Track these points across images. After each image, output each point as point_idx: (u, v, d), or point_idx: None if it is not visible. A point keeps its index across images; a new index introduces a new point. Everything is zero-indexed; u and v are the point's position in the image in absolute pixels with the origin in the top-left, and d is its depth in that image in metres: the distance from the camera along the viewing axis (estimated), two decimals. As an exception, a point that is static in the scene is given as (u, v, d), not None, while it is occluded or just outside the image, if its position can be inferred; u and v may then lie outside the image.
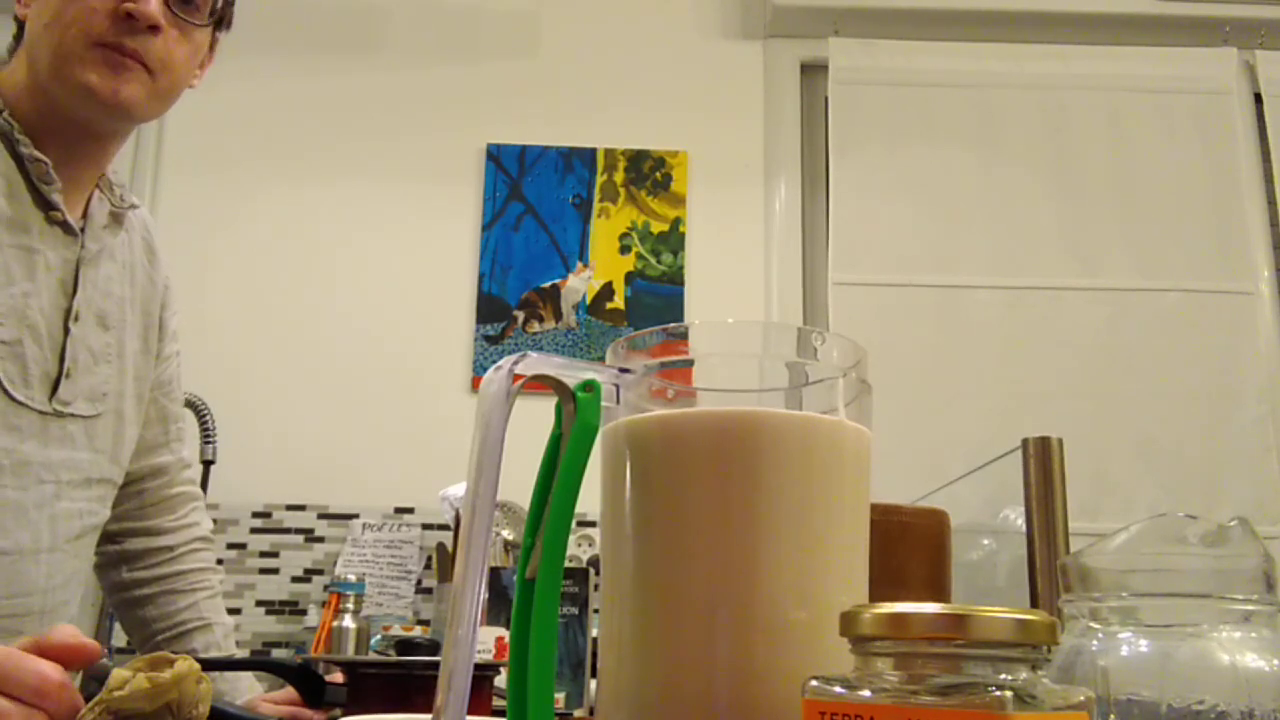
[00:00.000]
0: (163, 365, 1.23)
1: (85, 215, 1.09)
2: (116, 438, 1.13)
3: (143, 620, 1.23)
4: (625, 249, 2.59)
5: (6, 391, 0.99)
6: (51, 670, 0.66)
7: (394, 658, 1.04)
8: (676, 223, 2.61)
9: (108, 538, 1.21)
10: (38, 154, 1.02)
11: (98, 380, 1.09)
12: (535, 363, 0.44)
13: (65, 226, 1.06)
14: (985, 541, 1.28)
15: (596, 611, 1.04)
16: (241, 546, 2.40)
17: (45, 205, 1.04)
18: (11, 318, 0.99)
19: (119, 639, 2.21)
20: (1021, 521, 1.05)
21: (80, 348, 1.06)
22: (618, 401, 0.48)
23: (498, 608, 1.42)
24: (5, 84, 1.06)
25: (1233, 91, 2.63)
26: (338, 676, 0.91)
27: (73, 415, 1.06)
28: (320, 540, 2.42)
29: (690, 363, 0.49)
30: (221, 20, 1.12)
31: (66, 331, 1.05)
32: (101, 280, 1.11)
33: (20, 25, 1.07)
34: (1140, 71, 2.64)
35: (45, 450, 1.03)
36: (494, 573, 1.44)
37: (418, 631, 2.00)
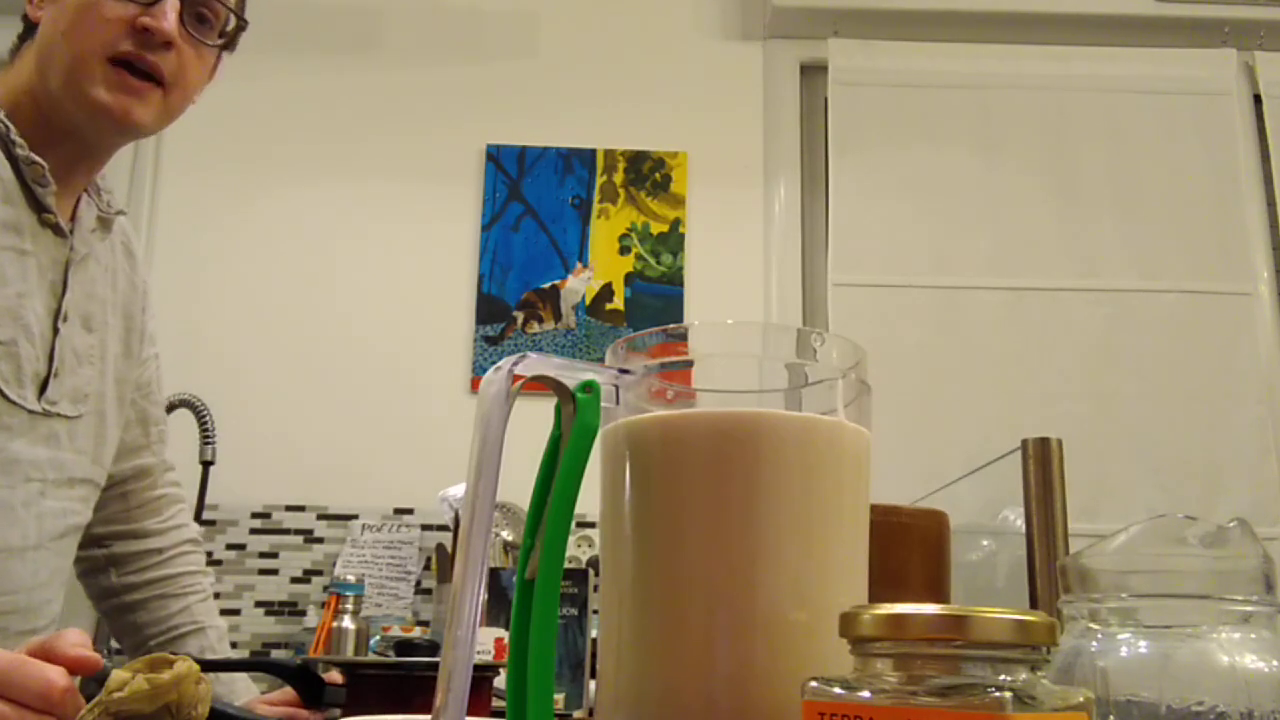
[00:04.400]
0: (142, 368, 1.23)
1: (74, 218, 1.10)
2: (98, 439, 1.13)
3: (134, 625, 1.23)
4: (625, 250, 2.59)
5: (1, 391, 0.99)
6: (57, 676, 0.66)
7: (393, 659, 1.04)
8: (676, 223, 2.61)
9: (94, 541, 1.20)
10: (34, 156, 1.02)
11: (81, 381, 1.09)
12: (535, 363, 0.44)
13: (56, 229, 1.06)
14: (985, 542, 1.28)
15: (596, 612, 1.04)
16: (241, 547, 2.40)
17: (39, 207, 1.04)
18: (6, 318, 1.00)
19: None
20: (1021, 522, 1.05)
21: (66, 349, 1.07)
22: (617, 402, 0.48)
23: (497, 608, 1.42)
24: (3, 85, 1.06)
25: (1232, 93, 2.63)
26: (336, 676, 0.91)
27: (58, 415, 1.06)
28: (320, 541, 2.42)
29: (690, 364, 0.49)
30: (230, 43, 1.13)
31: (55, 332, 1.05)
32: (87, 283, 1.11)
33: (28, 26, 1.08)
34: (1140, 72, 2.64)
35: (32, 449, 1.03)
36: (493, 573, 1.44)
37: (417, 632, 2.00)
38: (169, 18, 1.02)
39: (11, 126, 1.02)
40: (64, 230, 1.07)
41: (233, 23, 1.11)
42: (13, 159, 1.02)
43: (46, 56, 1.03)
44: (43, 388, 1.04)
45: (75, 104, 1.02)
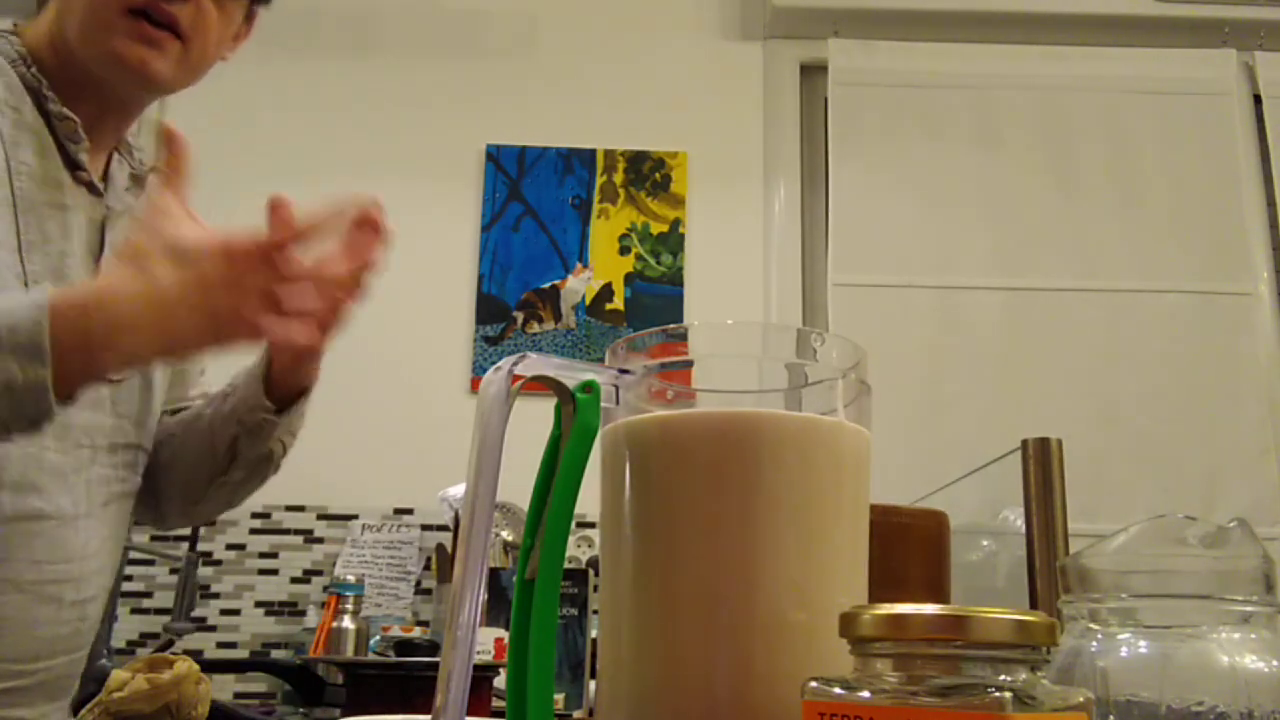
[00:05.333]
0: None
1: (106, 176, 1.07)
2: (143, 404, 1.10)
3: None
4: (625, 250, 2.59)
5: None
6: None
7: (393, 659, 1.04)
8: (676, 224, 2.61)
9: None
10: (67, 112, 0.99)
11: None
12: (534, 364, 0.44)
13: (90, 187, 1.03)
14: (984, 542, 1.28)
15: (596, 613, 1.04)
16: (241, 547, 2.40)
17: (72, 165, 1.01)
18: (50, 278, 0.96)
19: (118, 639, 2.21)
20: (1021, 522, 1.05)
21: None
22: (617, 402, 0.48)
23: (497, 608, 1.42)
24: (31, 38, 1.01)
25: (1232, 93, 2.63)
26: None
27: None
28: (319, 541, 2.41)
29: (689, 364, 0.49)
30: None
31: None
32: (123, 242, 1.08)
33: None
34: (1140, 73, 2.64)
35: (81, 413, 0.99)
36: (493, 574, 1.44)
37: (417, 632, 2.00)
38: None
39: (44, 80, 0.99)
40: (98, 189, 1.04)
41: None
42: (45, 114, 0.99)
43: (65, 5, 0.99)
44: None
45: (92, 55, 0.99)
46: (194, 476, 1.14)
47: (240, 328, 0.80)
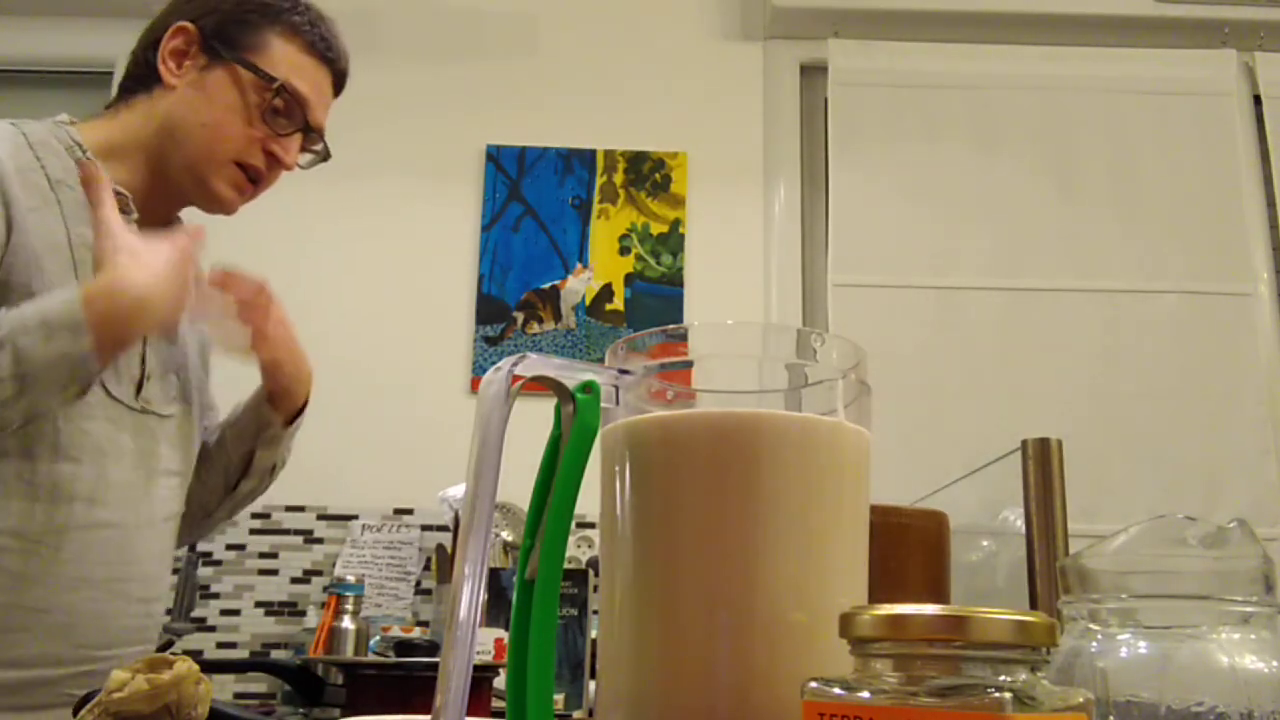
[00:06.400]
0: (208, 376, 1.40)
1: None
2: (186, 438, 1.26)
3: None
4: (625, 250, 2.59)
5: (106, 388, 1.11)
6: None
7: (393, 659, 1.05)
8: (676, 224, 2.61)
9: None
10: (119, 188, 1.13)
11: (169, 387, 1.22)
12: (534, 364, 0.44)
13: None
14: (984, 543, 1.28)
15: (596, 613, 1.04)
16: (240, 548, 2.40)
17: None
18: None
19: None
20: (1021, 523, 1.05)
21: (154, 357, 1.19)
22: (617, 403, 0.48)
23: (497, 609, 1.42)
24: (99, 136, 1.17)
25: (1232, 93, 2.63)
26: None
27: (154, 413, 1.18)
28: (319, 541, 2.41)
29: (689, 364, 0.49)
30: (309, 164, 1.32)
31: (144, 340, 1.17)
32: None
33: (146, 75, 1.19)
34: (1140, 73, 2.64)
35: (137, 441, 1.15)
36: (493, 574, 1.44)
37: (417, 633, 2.00)
38: (293, 152, 1.23)
39: (100, 164, 1.13)
40: None
41: (322, 152, 1.34)
42: None
43: (174, 132, 1.17)
44: (138, 388, 1.16)
45: (190, 183, 1.19)
46: (210, 490, 1.32)
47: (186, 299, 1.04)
